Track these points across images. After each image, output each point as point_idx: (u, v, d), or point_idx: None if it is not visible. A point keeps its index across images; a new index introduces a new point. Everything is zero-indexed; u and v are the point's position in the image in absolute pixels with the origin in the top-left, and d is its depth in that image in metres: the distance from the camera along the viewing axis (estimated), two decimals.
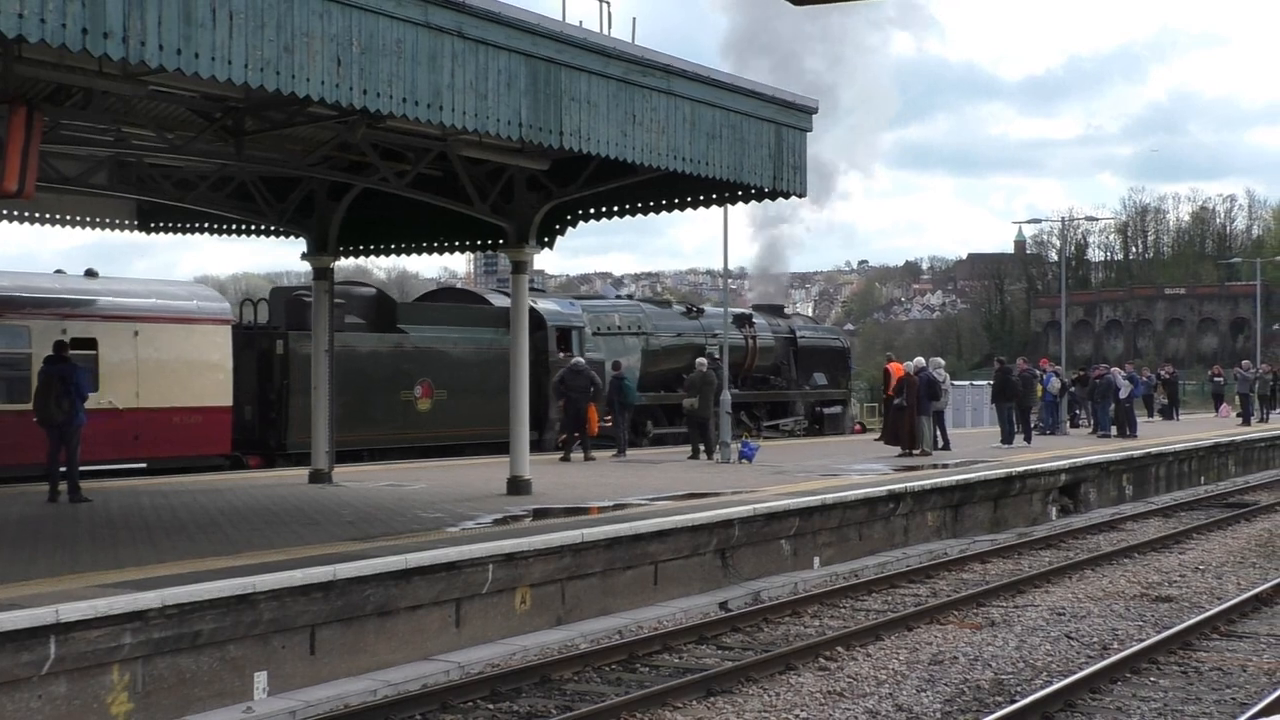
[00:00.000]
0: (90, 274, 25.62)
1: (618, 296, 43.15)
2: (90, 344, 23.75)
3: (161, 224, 23.67)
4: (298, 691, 11.60)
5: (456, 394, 28.79)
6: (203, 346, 25.52)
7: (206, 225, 23.51)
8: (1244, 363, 54.15)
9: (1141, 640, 13.90)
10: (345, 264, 24.99)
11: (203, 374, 25.43)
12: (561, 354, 31.09)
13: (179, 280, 33.01)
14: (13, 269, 25.31)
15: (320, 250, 21.46)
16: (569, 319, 32.46)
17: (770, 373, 39.70)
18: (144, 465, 24.20)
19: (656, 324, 35.38)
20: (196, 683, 10.92)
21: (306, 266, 22.30)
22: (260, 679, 11.42)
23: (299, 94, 11.32)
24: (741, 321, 38.71)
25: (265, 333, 27.37)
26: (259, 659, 11.44)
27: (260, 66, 10.79)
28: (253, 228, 23.14)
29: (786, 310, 46.58)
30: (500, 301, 31.80)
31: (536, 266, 79.11)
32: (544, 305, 32.39)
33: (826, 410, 41.06)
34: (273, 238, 23.69)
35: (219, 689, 11.10)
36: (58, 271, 26.56)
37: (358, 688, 11.82)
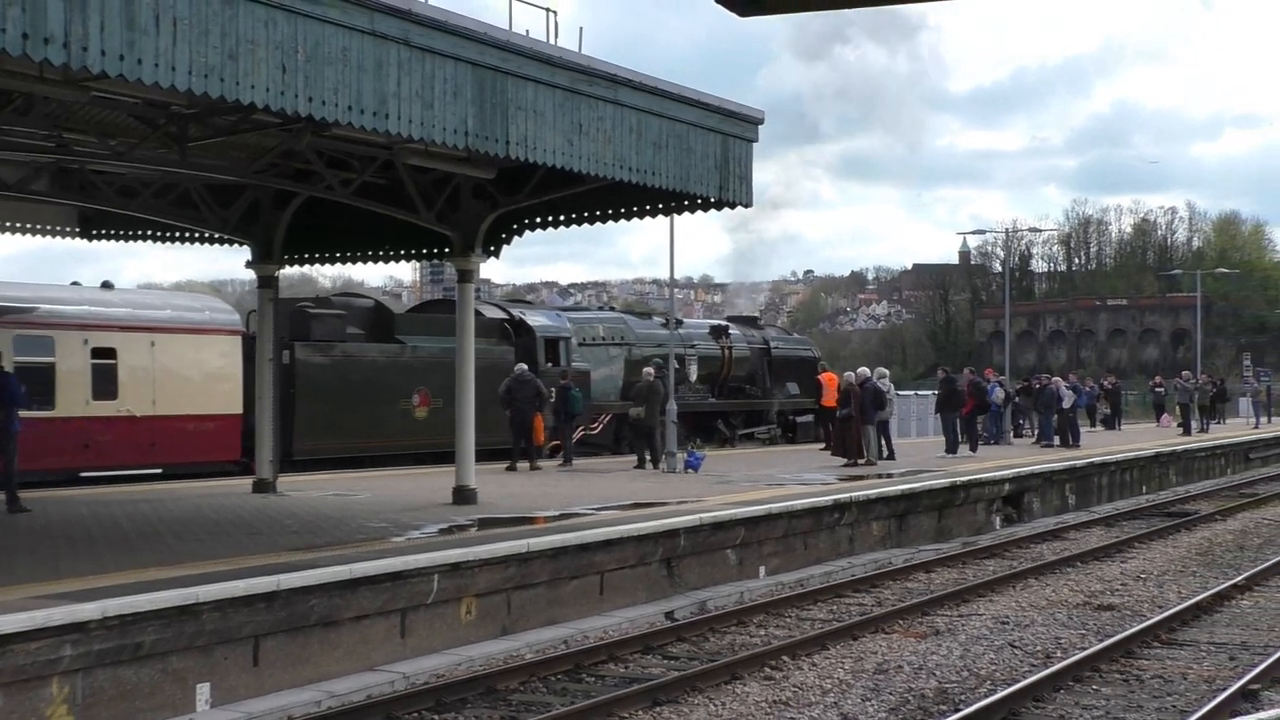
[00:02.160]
0: (106, 285, 26.84)
1: (564, 307, 43.60)
2: (110, 353, 24.76)
3: (104, 231, 23.46)
4: (241, 703, 11.51)
5: (453, 402, 28.73)
6: (215, 356, 26.47)
7: (150, 233, 23.30)
8: (1184, 373, 54.54)
9: (1084, 649, 13.99)
10: (290, 272, 25.08)
11: (215, 383, 26.34)
12: (549, 364, 31.79)
13: (190, 292, 34.04)
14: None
15: (265, 258, 21.34)
16: (556, 330, 33.19)
17: (745, 382, 40.50)
18: (159, 471, 24.89)
19: (639, 335, 36.18)
20: (138, 695, 10.81)
21: (251, 275, 22.17)
22: (203, 690, 11.32)
23: (243, 101, 11.26)
24: (718, 332, 39.61)
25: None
26: (201, 670, 11.34)
27: (204, 73, 10.71)
28: (197, 235, 22.94)
29: (760, 322, 47.07)
30: (492, 313, 33.05)
31: (483, 275, 79.02)
32: (533, 317, 33.34)
33: (799, 419, 41.40)
34: (217, 245, 23.53)
35: (161, 701, 10.99)
36: (74, 284, 27.64)
37: (302, 699, 11.74)
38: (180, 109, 15.28)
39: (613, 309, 44.56)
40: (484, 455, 25.29)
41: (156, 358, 25.44)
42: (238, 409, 26.48)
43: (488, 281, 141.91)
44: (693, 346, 37.70)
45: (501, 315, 33.28)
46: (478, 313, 32.27)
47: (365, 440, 28.05)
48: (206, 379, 26.19)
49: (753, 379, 40.83)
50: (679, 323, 38.10)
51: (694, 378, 37.67)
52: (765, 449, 37.60)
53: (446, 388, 28.31)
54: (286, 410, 26.53)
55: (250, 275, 22.38)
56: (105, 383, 24.73)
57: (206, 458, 26.01)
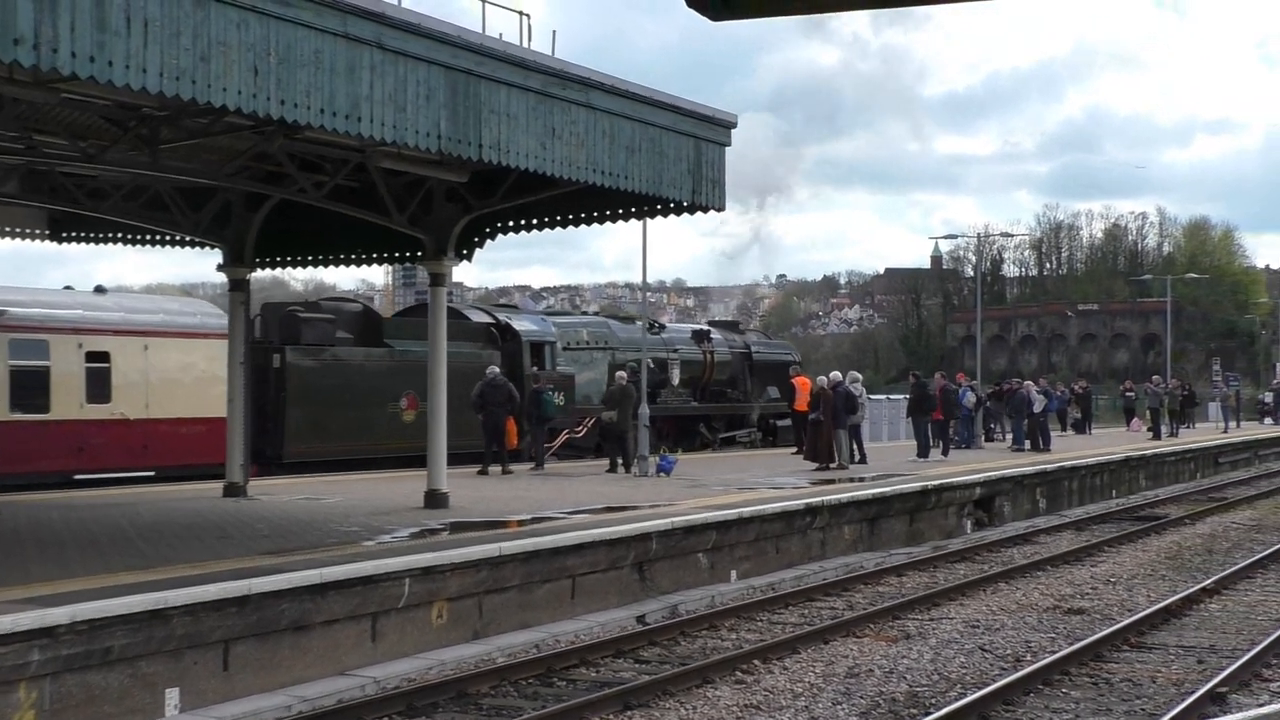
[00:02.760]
0: (99, 290, 27.18)
1: (549, 312, 44.15)
2: (104, 357, 25.14)
3: (74, 234, 23.34)
4: (210, 708, 11.47)
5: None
6: (206, 360, 26.64)
7: (120, 235, 23.19)
8: (1154, 378, 54.88)
9: (1054, 652, 14.03)
10: (262, 275, 25.09)
11: (206, 386, 26.40)
12: (534, 368, 32.23)
13: (181, 297, 34.73)
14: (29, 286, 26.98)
15: (236, 261, 21.27)
16: (541, 335, 33.60)
17: (727, 386, 40.93)
18: (153, 473, 25.22)
19: (622, 339, 36.58)
20: (106, 700, 10.76)
21: (223, 278, 22.09)
22: (172, 695, 11.27)
23: (215, 104, 11.23)
24: (700, 337, 40.21)
25: (261, 346, 27.76)
26: (171, 675, 11.30)
27: (175, 75, 10.68)
28: (168, 238, 22.86)
29: (741, 326, 47.58)
30: (478, 318, 33.74)
31: (455, 279, 78.83)
32: (518, 322, 33.72)
33: (780, 423, 41.67)
34: (188, 248, 23.44)
35: (130, 706, 10.94)
36: (66, 288, 27.98)
37: (272, 703, 11.70)
38: (151, 111, 15.22)
39: (596, 314, 45.05)
40: (469, 458, 26.59)
41: (149, 361, 25.81)
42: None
43: (460, 285, 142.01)
44: (675, 351, 38.27)
45: (488, 320, 33.67)
46: (465, 317, 33.71)
47: (355, 443, 28.25)
48: (198, 382, 26.47)
49: (734, 383, 41.25)
50: (661, 327, 39.56)
51: (676, 381, 38.09)
52: (737, 453, 37.73)
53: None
54: (277, 414, 27.16)
55: (221, 278, 22.32)
56: (99, 386, 25.08)
57: (198, 460, 25.99)
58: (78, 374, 24.56)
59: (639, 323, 39.67)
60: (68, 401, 24.35)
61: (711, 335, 40.97)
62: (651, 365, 34.78)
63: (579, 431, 33.04)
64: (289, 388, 27.25)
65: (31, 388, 23.60)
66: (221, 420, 25.45)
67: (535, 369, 32.14)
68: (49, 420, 23.85)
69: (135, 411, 25.37)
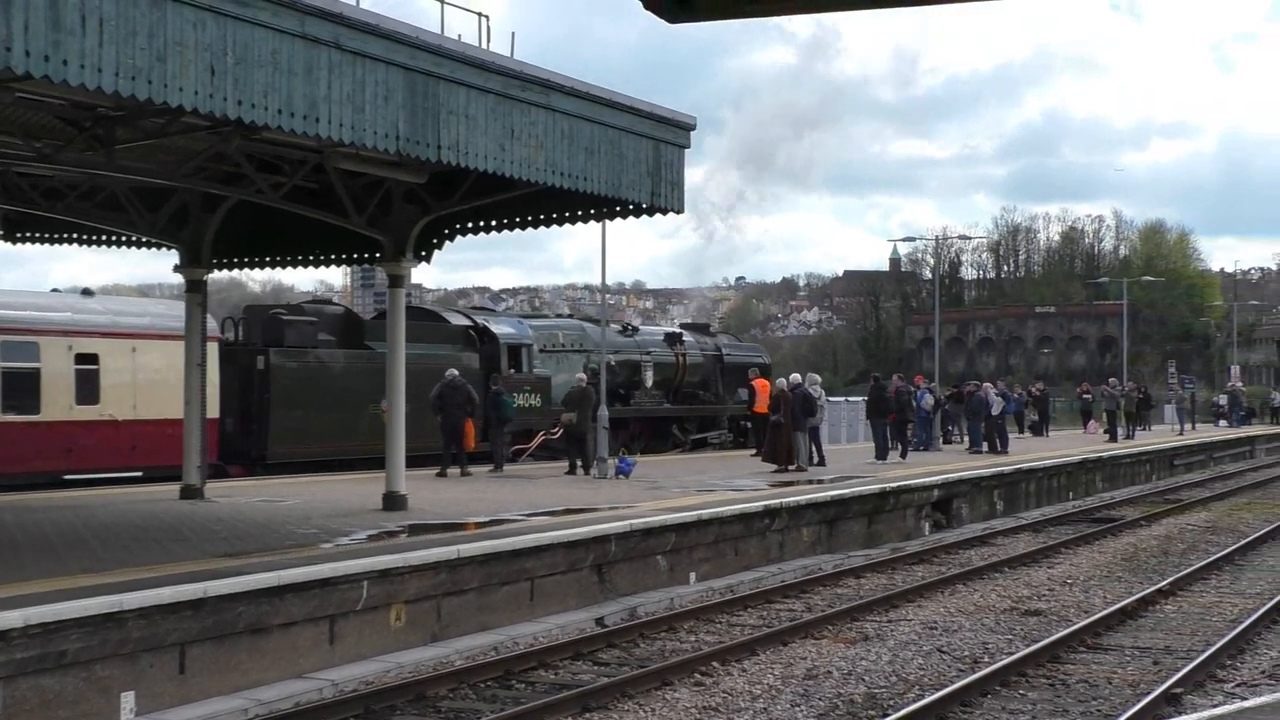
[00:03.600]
0: (87, 293, 27.64)
1: (525, 315, 44.85)
2: (93, 359, 25.44)
3: (29, 234, 23.16)
4: (166, 711, 11.39)
5: (420, 407, 29.22)
6: None
7: (76, 236, 23.03)
8: (1111, 380, 55.22)
9: (1011, 654, 14.10)
10: (219, 276, 25.10)
11: None
12: (511, 370, 32.89)
13: (167, 300, 35.60)
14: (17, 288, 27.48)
15: (194, 262, 21.14)
16: (519, 337, 34.17)
17: (699, 388, 41.28)
18: (140, 474, 25.52)
19: (596, 341, 36.53)
20: (61, 704, 10.68)
21: (180, 278, 21.96)
22: (128, 699, 11.19)
23: (171, 104, 11.16)
24: (673, 339, 40.67)
25: (246, 349, 28.62)
26: (127, 679, 11.22)
27: (131, 75, 10.61)
28: (125, 239, 22.72)
29: (712, 329, 47.92)
30: (457, 320, 34.53)
31: (415, 280, 78.77)
32: (496, 325, 34.31)
33: (750, 424, 41.81)
34: (145, 249, 23.30)
35: (84, 710, 10.86)
36: (54, 290, 28.60)
37: (229, 706, 11.64)
38: (107, 111, 15.11)
39: (569, 316, 45.65)
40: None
41: (137, 363, 26.12)
42: (214, 414, 26.62)
43: (419, 286, 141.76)
44: (648, 353, 38.71)
45: (466, 323, 34.28)
46: (444, 320, 34.64)
47: (337, 444, 28.53)
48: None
49: (706, 385, 41.59)
50: (635, 329, 40.42)
51: (650, 384, 38.52)
52: (700, 454, 37.84)
53: (414, 393, 29.25)
54: (262, 415, 27.70)
55: (179, 279, 22.18)
56: (88, 388, 25.36)
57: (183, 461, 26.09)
58: (68, 376, 24.83)
59: (614, 325, 40.91)
60: (58, 403, 24.63)
61: (684, 338, 41.47)
62: (612, 364, 35.33)
63: (555, 433, 33.23)
64: (273, 389, 27.61)
65: (22, 389, 23.92)
66: (209, 421, 25.91)
67: (513, 371, 32.77)
68: (39, 421, 24.14)
69: (123, 413, 25.72)
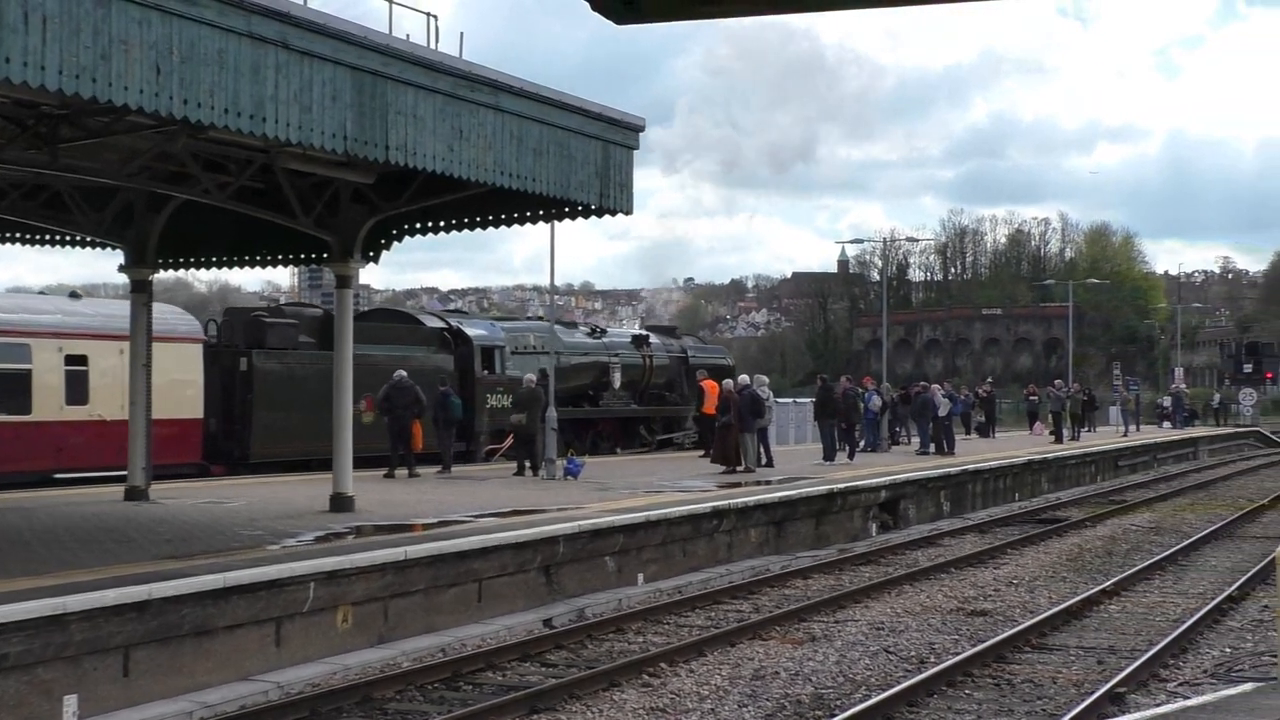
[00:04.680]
0: (74, 295, 28.30)
1: (498, 317, 45.68)
2: (82, 360, 25.99)
3: None
4: (110, 715, 11.31)
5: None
6: (178, 363, 27.24)
7: (19, 235, 22.79)
8: (1057, 382, 55.59)
9: (957, 654, 14.17)
10: (165, 276, 25.02)
11: (179, 388, 27.19)
12: (485, 371, 33.66)
13: (157, 303, 36.05)
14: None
15: (139, 262, 20.97)
16: (492, 340, 34.92)
17: (665, 389, 42.00)
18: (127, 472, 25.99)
19: (566, 343, 37.72)
20: (2, 707, 10.57)
21: (125, 279, 21.80)
22: (70, 702, 11.10)
23: (116, 102, 11.09)
24: (640, 342, 41.54)
25: (229, 350, 29.07)
26: (69, 682, 11.12)
27: (75, 73, 10.53)
28: (68, 238, 22.52)
29: (677, 331, 48.52)
30: (433, 323, 35.37)
31: (362, 281, 78.47)
32: (470, 328, 35.10)
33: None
34: (90, 249, 23.10)
35: (26, 714, 10.76)
36: (41, 293, 29.62)
37: (173, 709, 11.57)
38: (51, 109, 14.98)
39: (540, 319, 46.14)
40: (434, 459, 28.05)
41: (125, 364, 26.01)
42: (199, 413, 27.86)
43: (367, 287, 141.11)
44: (617, 355, 39.49)
45: (441, 325, 35.06)
46: (420, 323, 35.71)
47: (318, 443, 28.40)
48: (171, 384, 26.75)
49: (672, 386, 42.26)
50: (603, 332, 41.76)
51: (618, 385, 39.32)
52: (657, 455, 38.06)
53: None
54: (245, 415, 28.37)
55: (124, 279, 22.02)
56: (77, 388, 25.88)
57: (171, 460, 26.58)
58: (58, 377, 25.29)
59: (581, 327, 42.43)
60: (48, 403, 25.09)
61: (650, 340, 42.27)
62: (571, 366, 36.15)
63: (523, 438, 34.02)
64: (256, 390, 28.13)
65: (14, 390, 24.35)
66: (191, 421, 27.63)
67: (486, 372, 33.41)
68: (30, 421, 24.58)
69: (112, 413, 25.88)
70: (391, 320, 37.61)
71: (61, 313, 26.44)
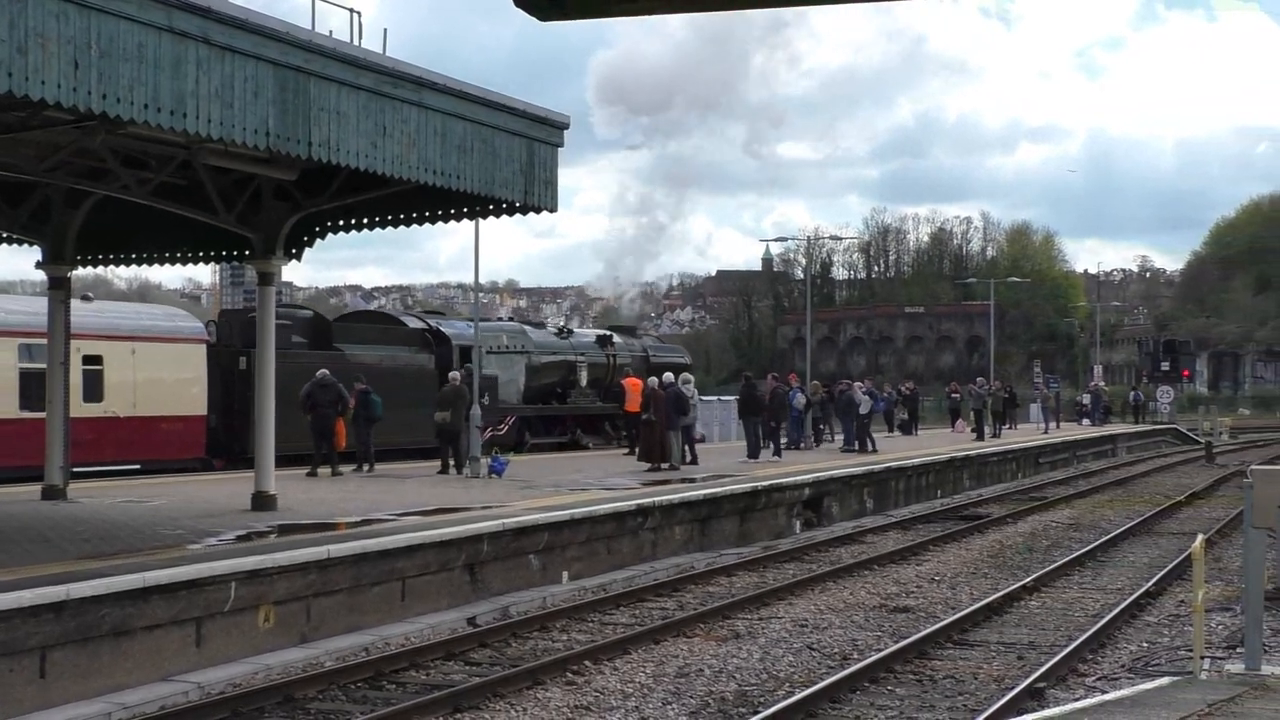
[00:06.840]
0: (86, 299, 28.94)
1: (470, 318, 46.35)
2: (97, 360, 27.51)
3: None
4: (26, 717, 11.16)
5: (394, 404, 30.68)
6: (184, 362, 29.47)
7: None
8: (978, 379, 56.11)
9: (880, 650, 14.28)
10: (84, 273, 24.84)
11: (184, 386, 29.37)
12: (464, 367, 33.89)
13: (157, 305, 39.99)
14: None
15: (57, 259, 20.71)
16: (468, 339, 35.05)
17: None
18: (138, 466, 27.86)
19: (536, 343, 39.92)
20: None
21: (42, 276, 21.51)
22: None
23: (33, 97, 10.94)
24: (604, 341, 43.19)
25: (229, 350, 30.43)
26: None
27: None
28: None
29: (639, 331, 50.68)
30: (414, 324, 37.49)
31: (285, 278, 78.02)
32: (448, 328, 36.86)
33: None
34: (6, 245, 22.76)
35: None
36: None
37: (91, 711, 11.44)
38: None
39: (511, 320, 49.31)
40: (416, 454, 30.26)
41: (136, 364, 28.10)
42: (203, 410, 29.52)
43: (290, 284, 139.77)
44: (582, 355, 41.19)
45: (422, 326, 37.04)
46: (401, 323, 37.61)
47: (306, 441, 28.61)
48: (178, 383, 29.16)
49: None
50: (570, 332, 43.74)
51: (584, 383, 40.97)
52: (579, 453, 38.11)
53: (378, 392, 29.95)
54: (244, 412, 28.53)
55: (41, 276, 21.74)
56: (93, 387, 27.25)
57: (177, 454, 28.77)
58: (76, 375, 25.46)
59: (550, 327, 44.60)
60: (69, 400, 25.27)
61: (614, 340, 43.71)
62: (541, 364, 37.96)
63: (501, 428, 35.37)
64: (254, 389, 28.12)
65: (38, 388, 24.59)
66: (196, 418, 29.42)
67: (456, 369, 33.10)
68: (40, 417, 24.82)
69: (124, 409, 27.73)
70: (375, 321, 39.75)
71: (78, 314, 26.40)
